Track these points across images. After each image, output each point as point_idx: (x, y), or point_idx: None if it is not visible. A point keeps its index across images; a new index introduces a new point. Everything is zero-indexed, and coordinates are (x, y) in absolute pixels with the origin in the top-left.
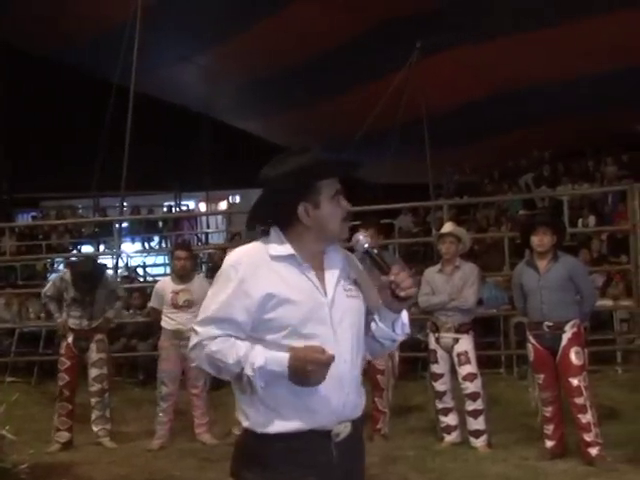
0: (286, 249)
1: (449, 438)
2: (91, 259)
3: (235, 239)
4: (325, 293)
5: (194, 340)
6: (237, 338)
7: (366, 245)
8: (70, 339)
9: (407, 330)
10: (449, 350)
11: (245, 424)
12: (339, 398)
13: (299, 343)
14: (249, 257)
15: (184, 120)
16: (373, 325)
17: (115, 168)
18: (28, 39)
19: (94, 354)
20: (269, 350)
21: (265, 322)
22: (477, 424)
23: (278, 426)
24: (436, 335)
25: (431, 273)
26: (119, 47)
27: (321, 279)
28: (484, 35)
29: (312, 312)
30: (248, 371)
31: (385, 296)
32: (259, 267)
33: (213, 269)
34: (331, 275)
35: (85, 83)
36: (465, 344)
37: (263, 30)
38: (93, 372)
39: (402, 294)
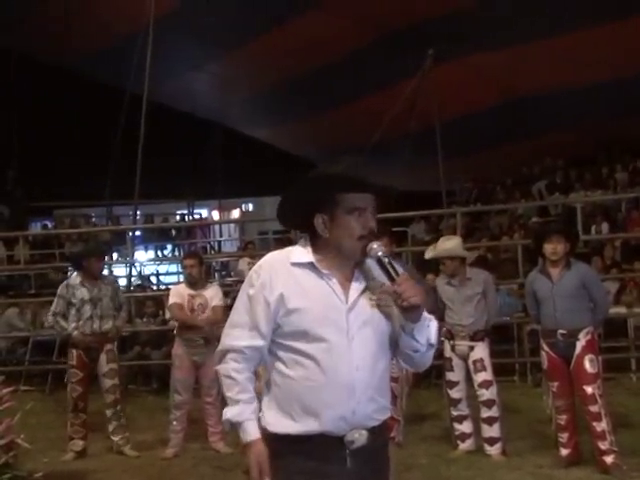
0: (307, 257)
1: (463, 446)
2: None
3: (248, 247)
4: (346, 300)
5: (220, 347)
6: (258, 351)
7: (380, 253)
8: (80, 349)
9: (432, 341)
10: (465, 358)
11: (262, 423)
12: (348, 405)
13: (308, 346)
14: (270, 263)
15: (197, 128)
16: (400, 336)
17: (128, 177)
18: (43, 50)
19: (104, 365)
20: (252, 420)
21: (280, 325)
22: (492, 431)
23: (287, 427)
24: (451, 343)
25: (441, 284)
26: (132, 57)
27: (346, 288)
28: (496, 42)
29: (326, 317)
30: (226, 414)
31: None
32: (278, 272)
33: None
34: (358, 285)
35: (99, 92)
36: (480, 351)
37: (274, 39)
38: (106, 383)
39: (403, 304)
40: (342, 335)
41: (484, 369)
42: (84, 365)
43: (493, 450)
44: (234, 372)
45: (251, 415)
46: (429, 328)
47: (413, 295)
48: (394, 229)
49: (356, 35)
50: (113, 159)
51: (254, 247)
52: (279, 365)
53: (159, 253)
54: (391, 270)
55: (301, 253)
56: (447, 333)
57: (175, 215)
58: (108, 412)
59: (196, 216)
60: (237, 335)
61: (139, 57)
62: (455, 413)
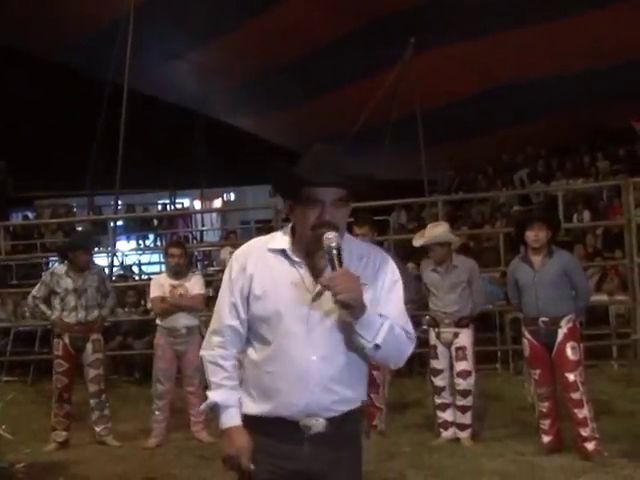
0: (282, 244)
1: (446, 434)
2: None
3: (230, 237)
4: (313, 290)
5: (207, 331)
6: (238, 333)
7: (332, 244)
8: (66, 339)
9: (378, 341)
10: (449, 345)
11: None
12: (301, 394)
13: (269, 333)
14: (248, 248)
15: (178, 118)
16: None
17: (109, 166)
18: (21, 38)
19: (90, 354)
20: (236, 407)
21: (250, 309)
22: (464, 418)
23: (249, 408)
24: (436, 330)
25: (426, 271)
26: (112, 45)
27: (316, 276)
28: (477, 30)
29: (288, 306)
30: (210, 397)
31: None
32: (254, 257)
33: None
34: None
35: (79, 81)
36: (464, 339)
37: (254, 28)
38: (91, 373)
39: (332, 298)
40: (302, 325)
41: (465, 358)
42: (70, 356)
43: (463, 434)
44: (220, 358)
45: (235, 402)
46: (380, 327)
47: (343, 291)
48: (375, 218)
49: (337, 23)
50: (94, 149)
51: (236, 236)
52: (248, 348)
53: (141, 243)
54: (336, 262)
55: (279, 240)
56: (432, 321)
57: (157, 205)
58: (92, 402)
59: (178, 206)
60: (221, 315)
61: (120, 46)
62: (438, 401)
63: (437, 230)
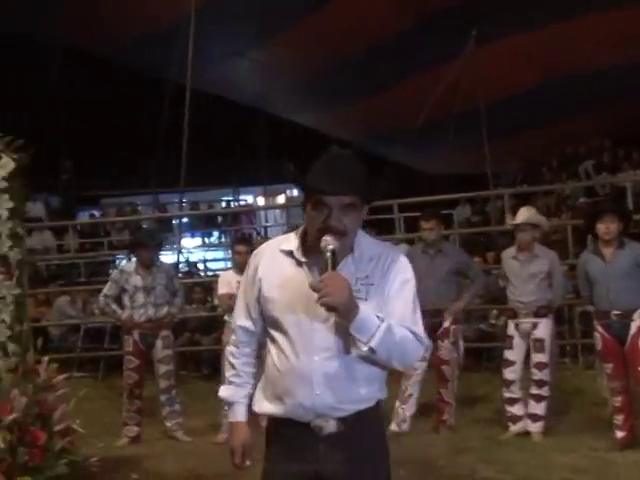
0: (291, 244)
1: (514, 428)
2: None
3: None
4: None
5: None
6: (250, 333)
7: (329, 247)
8: (136, 336)
9: (372, 345)
10: (527, 336)
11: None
12: (305, 394)
13: (277, 334)
14: (263, 249)
15: (240, 115)
16: None
17: (174, 165)
18: (85, 40)
19: (160, 350)
20: (241, 404)
21: (262, 310)
22: (537, 409)
23: (267, 407)
24: (515, 321)
25: (507, 257)
26: (174, 44)
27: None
28: (539, 21)
29: (294, 306)
30: (221, 392)
31: None
32: (266, 258)
33: None
34: None
35: (142, 81)
36: (544, 329)
37: (314, 24)
38: (161, 369)
39: (319, 301)
40: (305, 325)
41: (542, 350)
42: (140, 352)
43: (534, 427)
44: (231, 356)
45: (242, 399)
46: (375, 330)
47: (327, 295)
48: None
49: (398, 17)
50: (158, 148)
51: None
52: (267, 347)
53: (206, 240)
54: (329, 265)
55: (291, 241)
56: (510, 312)
57: (221, 202)
58: (162, 397)
59: (242, 202)
60: (236, 315)
61: (181, 46)
62: (507, 395)
63: (529, 212)
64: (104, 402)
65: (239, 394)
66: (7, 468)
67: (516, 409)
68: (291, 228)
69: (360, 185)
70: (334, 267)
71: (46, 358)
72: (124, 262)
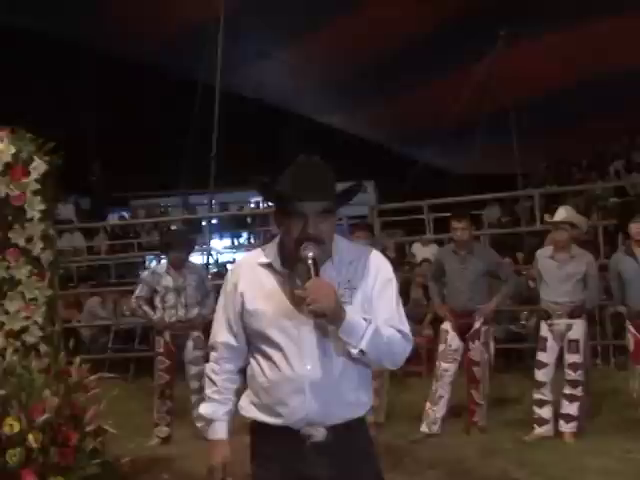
0: (268, 257)
1: (539, 430)
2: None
3: None
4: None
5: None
6: (233, 349)
7: (310, 254)
8: (167, 336)
9: (362, 347)
10: (562, 337)
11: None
12: (299, 404)
13: (264, 346)
14: (241, 264)
15: (269, 116)
16: None
17: (203, 166)
18: (115, 41)
19: (191, 351)
20: (223, 421)
21: (245, 325)
22: (570, 409)
23: (256, 415)
24: (548, 322)
25: (542, 256)
26: (202, 46)
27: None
28: (569, 20)
29: (279, 318)
30: (200, 409)
31: None
32: (245, 273)
33: None
34: None
35: (171, 82)
36: (578, 330)
37: (344, 24)
38: (192, 370)
39: (307, 308)
40: (294, 335)
41: (577, 351)
42: (171, 353)
43: (567, 428)
44: (212, 373)
45: (223, 416)
46: (364, 332)
47: (314, 301)
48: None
49: (428, 17)
50: (188, 149)
51: None
52: (250, 358)
53: (235, 241)
54: (312, 272)
55: (267, 253)
56: (543, 313)
57: (250, 203)
58: (193, 398)
59: (271, 204)
60: (216, 331)
61: (210, 47)
62: (537, 396)
63: (568, 211)
64: (135, 403)
65: (220, 411)
66: (39, 468)
67: (544, 412)
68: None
69: (333, 190)
70: (317, 273)
71: (78, 359)
72: (154, 263)
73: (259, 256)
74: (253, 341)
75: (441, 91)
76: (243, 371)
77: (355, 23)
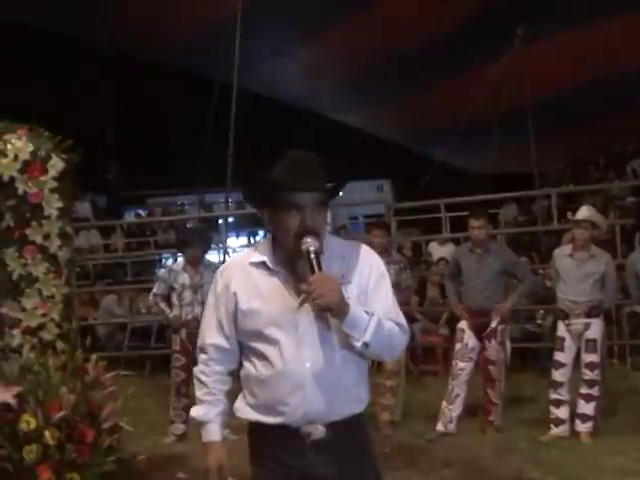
0: (262, 256)
1: (555, 430)
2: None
3: (340, 232)
4: (298, 296)
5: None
6: (224, 351)
7: (311, 248)
8: (183, 334)
9: (366, 340)
10: (579, 336)
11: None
12: (299, 402)
13: (261, 345)
14: (231, 264)
15: (285, 114)
16: None
17: (219, 164)
18: (132, 41)
19: None
20: (215, 423)
21: (238, 325)
22: (587, 409)
23: (252, 415)
24: (566, 322)
25: (560, 255)
26: (219, 44)
27: (300, 283)
28: (586, 19)
29: (276, 317)
30: (192, 412)
31: None
32: (236, 273)
33: None
34: None
35: (187, 81)
36: (596, 330)
37: (360, 22)
38: None
39: (312, 302)
40: (292, 333)
41: (594, 351)
42: (187, 350)
43: (583, 427)
44: (202, 374)
45: (215, 417)
46: (367, 325)
47: (320, 296)
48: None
49: (447, 16)
50: (204, 147)
51: (346, 231)
52: (245, 361)
53: (251, 239)
54: (315, 266)
55: (259, 252)
56: (560, 312)
57: None
58: None
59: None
60: (206, 333)
61: (227, 46)
62: (554, 396)
63: (590, 211)
64: (151, 400)
65: (212, 412)
66: (55, 465)
67: (561, 412)
68: (337, 228)
69: (325, 183)
70: (320, 267)
71: (94, 356)
72: (170, 261)
73: (250, 256)
74: (248, 342)
75: (458, 90)
76: (233, 373)
77: (370, 21)
